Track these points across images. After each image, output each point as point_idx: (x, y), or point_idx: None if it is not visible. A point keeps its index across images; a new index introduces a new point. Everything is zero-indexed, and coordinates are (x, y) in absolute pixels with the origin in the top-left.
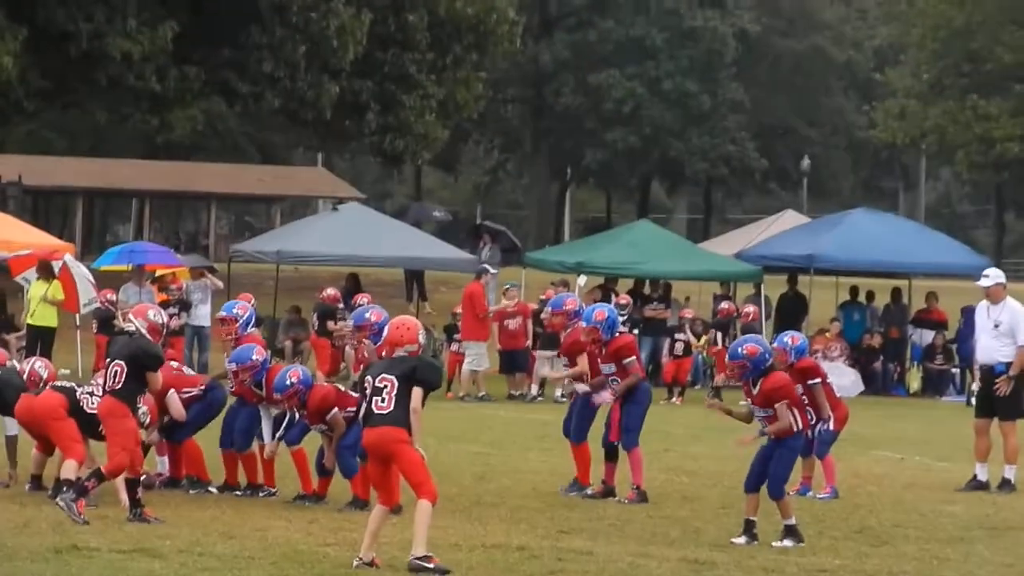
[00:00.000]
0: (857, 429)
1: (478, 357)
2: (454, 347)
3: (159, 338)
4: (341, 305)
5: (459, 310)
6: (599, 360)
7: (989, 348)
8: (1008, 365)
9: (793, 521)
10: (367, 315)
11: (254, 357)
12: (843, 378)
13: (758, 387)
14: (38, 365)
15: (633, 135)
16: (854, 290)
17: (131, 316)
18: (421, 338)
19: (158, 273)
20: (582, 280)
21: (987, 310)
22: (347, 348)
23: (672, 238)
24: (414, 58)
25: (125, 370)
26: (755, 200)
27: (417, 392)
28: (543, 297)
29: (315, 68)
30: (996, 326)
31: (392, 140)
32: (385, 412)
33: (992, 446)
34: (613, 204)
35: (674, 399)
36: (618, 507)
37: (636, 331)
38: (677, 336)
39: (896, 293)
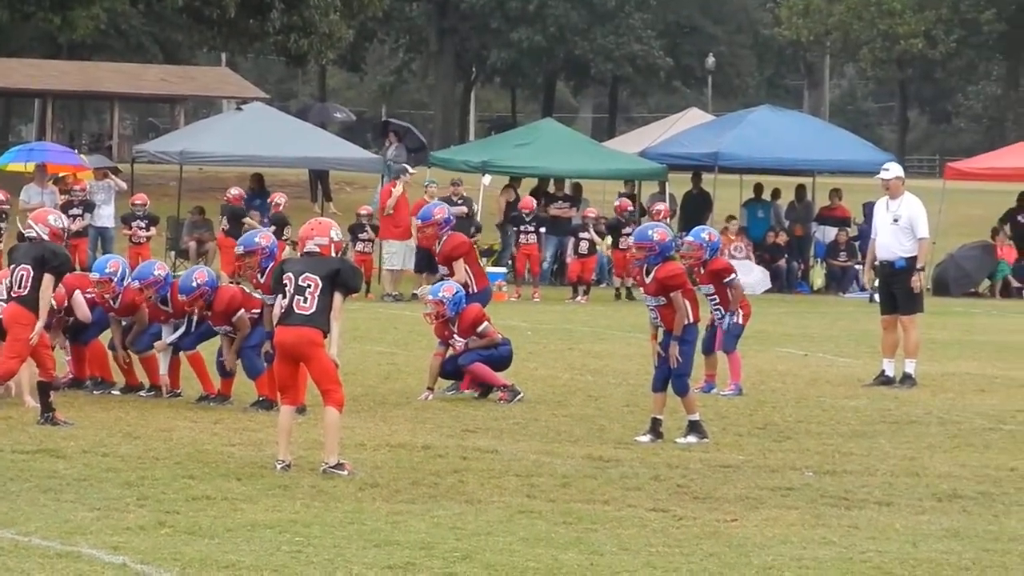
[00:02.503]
0: (761, 326)
1: (391, 256)
2: (359, 247)
3: (60, 242)
4: (245, 206)
5: (362, 211)
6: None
7: (889, 244)
8: (909, 260)
9: (697, 417)
10: (257, 239)
11: (156, 272)
12: (750, 275)
13: (652, 275)
14: None
15: (538, 34)
16: (758, 188)
17: (31, 222)
18: (334, 234)
19: (60, 174)
20: (487, 179)
21: (887, 205)
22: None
23: (577, 137)
24: None
25: (31, 275)
26: (660, 99)
27: (338, 297)
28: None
29: None
30: (895, 220)
31: (296, 39)
32: (307, 312)
33: (898, 342)
34: (518, 104)
35: (579, 298)
36: (522, 406)
37: (542, 230)
38: (581, 235)
39: (800, 190)
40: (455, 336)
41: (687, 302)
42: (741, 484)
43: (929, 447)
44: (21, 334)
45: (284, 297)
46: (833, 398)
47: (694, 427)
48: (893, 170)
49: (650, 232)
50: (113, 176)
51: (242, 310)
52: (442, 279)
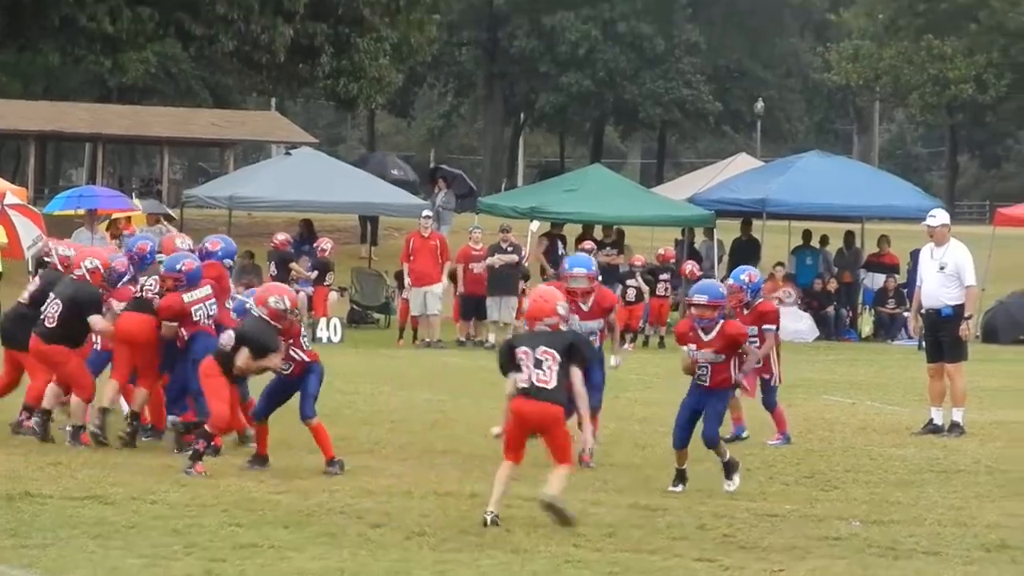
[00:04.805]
0: (809, 374)
1: (412, 302)
2: (405, 294)
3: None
4: (292, 251)
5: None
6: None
7: (935, 292)
8: (955, 308)
9: (728, 456)
10: (178, 265)
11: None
12: (799, 323)
13: (717, 331)
14: None
15: (587, 78)
16: (807, 234)
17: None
18: (560, 310)
19: (113, 216)
20: (534, 225)
21: (932, 252)
22: (300, 294)
23: (624, 183)
24: (368, 0)
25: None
26: (709, 144)
27: (578, 373)
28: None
29: (269, 10)
30: (941, 268)
31: (346, 84)
32: (548, 387)
33: (945, 390)
34: (566, 148)
35: (626, 346)
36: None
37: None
38: (628, 283)
39: (849, 237)
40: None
41: (736, 360)
42: (788, 534)
43: (977, 496)
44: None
45: (520, 372)
46: (881, 447)
47: (730, 466)
48: (940, 217)
49: (721, 289)
50: (165, 222)
51: (175, 323)
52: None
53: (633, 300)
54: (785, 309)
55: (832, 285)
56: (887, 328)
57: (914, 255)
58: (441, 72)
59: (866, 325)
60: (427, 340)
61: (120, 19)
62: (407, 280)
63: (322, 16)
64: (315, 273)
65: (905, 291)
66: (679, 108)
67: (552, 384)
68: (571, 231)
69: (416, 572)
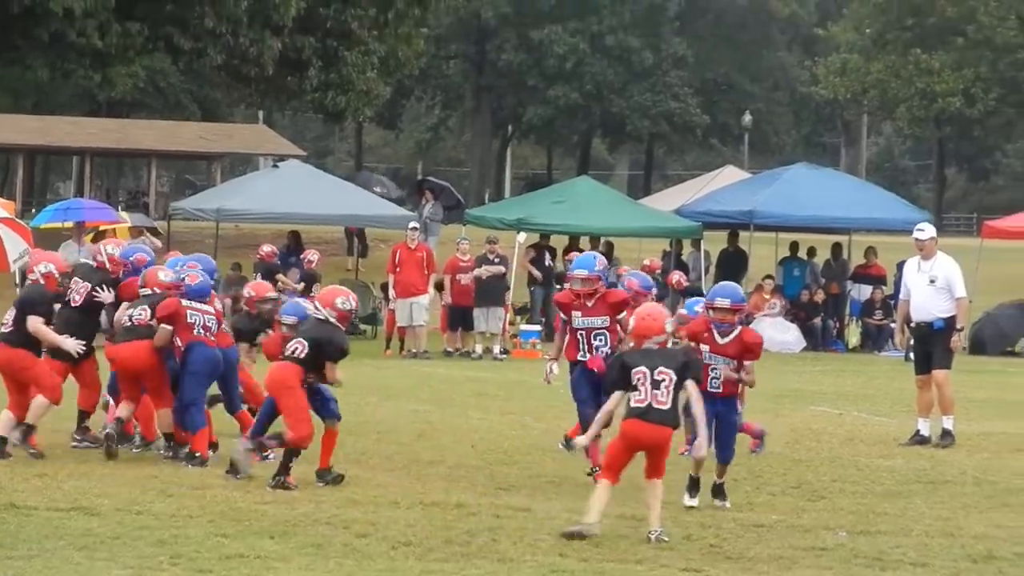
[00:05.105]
0: (796, 385)
1: (398, 313)
2: (391, 305)
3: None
4: (279, 262)
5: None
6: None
7: (925, 305)
8: (947, 320)
9: (700, 473)
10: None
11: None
12: (786, 334)
13: (733, 336)
14: None
15: (575, 91)
16: (794, 246)
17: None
18: (669, 327)
19: (101, 228)
20: (521, 237)
21: (919, 265)
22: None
23: (612, 194)
24: (356, 14)
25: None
26: (696, 156)
27: (694, 387)
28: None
29: (257, 24)
30: (932, 281)
31: (334, 97)
32: (665, 408)
33: (933, 401)
34: (554, 161)
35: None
36: (556, 464)
37: None
38: None
39: (836, 249)
40: None
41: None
42: (774, 544)
43: (965, 507)
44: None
45: (635, 391)
46: (868, 457)
47: (721, 491)
48: (928, 231)
49: (742, 294)
50: (149, 235)
51: (169, 327)
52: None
53: None
54: (772, 320)
55: (819, 296)
56: (874, 339)
57: (901, 267)
58: (429, 85)
59: (853, 336)
60: (414, 351)
61: (109, 34)
62: (392, 291)
63: (310, 29)
64: (302, 285)
65: (892, 302)
66: (667, 121)
67: (668, 405)
68: (561, 243)
69: None
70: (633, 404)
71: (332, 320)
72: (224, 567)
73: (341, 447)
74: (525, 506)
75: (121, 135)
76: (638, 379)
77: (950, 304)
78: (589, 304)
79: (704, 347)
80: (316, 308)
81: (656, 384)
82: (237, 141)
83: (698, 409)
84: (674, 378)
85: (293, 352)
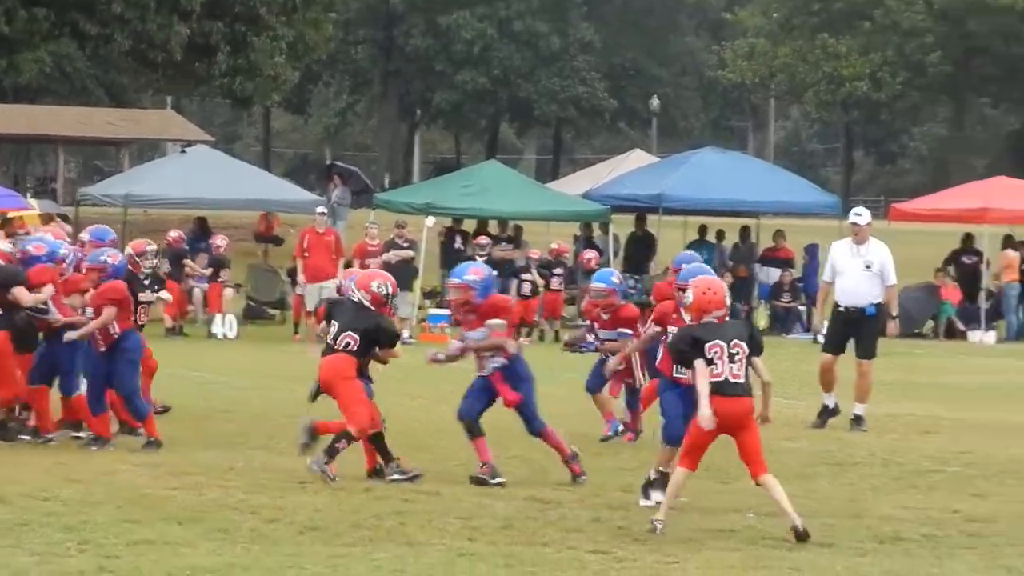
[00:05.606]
0: None
1: (307, 298)
2: (298, 290)
3: None
4: (187, 248)
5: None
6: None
7: (859, 290)
8: (878, 306)
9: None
10: (103, 257)
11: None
12: None
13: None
14: None
15: (483, 76)
16: (702, 229)
17: None
18: (727, 299)
19: (9, 215)
20: (430, 221)
21: (853, 249)
22: (195, 290)
23: (520, 178)
24: None
25: None
26: (604, 140)
27: (756, 359)
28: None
29: (165, 9)
30: (868, 267)
31: (242, 82)
32: (742, 382)
33: (836, 379)
34: (462, 145)
35: (521, 340)
36: (463, 448)
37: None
38: (524, 277)
39: (744, 232)
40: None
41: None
42: (683, 526)
43: (872, 489)
44: None
45: (711, 365)
46: (775, 439)
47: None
48: (866, 215)
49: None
50: (60, 220)
51: (113, 308)
52: None
53: (528, 294)
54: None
55: (727, 279)
56: (782, 322)
57: (809, 249)
58: (337, 70)
59: (761, 319)
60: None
61: (15, 20)
62: (300, 276)
63: (218, 15)
64: (210, 270)
65: (800, 285)
66: (574, 105)
67: (743, 378)
68: (470, 227)
69: (309, 566)
70: (710, 380)
71: (367, 303)
72: (132, 553)
73: (250, 432)
74: (433, 490)
75: (28, 121)
76: (715, 352)
77: (881, 290)
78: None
79: (672, 328)
80: (352, 290)
81: (731, 357)
82: (145, 127)
83: (768, 386)
84: (747, 351)
85: (346, 346)
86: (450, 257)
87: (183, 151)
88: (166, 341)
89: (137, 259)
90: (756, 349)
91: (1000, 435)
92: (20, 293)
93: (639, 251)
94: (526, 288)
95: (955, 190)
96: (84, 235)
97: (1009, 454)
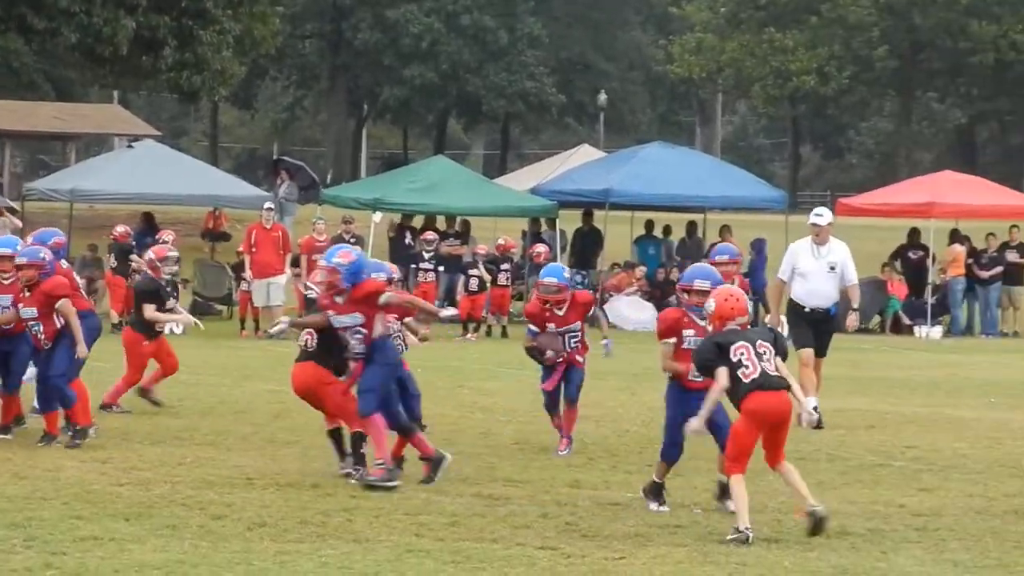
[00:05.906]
0: (651, 363)
1: (255, 294)
2: (243, 286)
3: None
4: (134, 243)
5: (241, 249)
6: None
7: (823, 291)
8: (836, 305)
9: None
10: (41, 253)
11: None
12: (642, 313)
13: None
14: None
15: (431, 71)
16: (649, 224)
17: None
18: (749, 307)
19: None
20: (377, 217)
21: (815, 250)
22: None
23: (467, 174)
24: None
25: None
26: (552, 135)
27: (779, 361)
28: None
29: (111, 3)
30: (832, 268)
31: (189, 76)
32: (778, 375)
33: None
34: (410, 140)
35: (469, 335)
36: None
37: (440, 268)
38: (471, 272)
39: (691, 227)
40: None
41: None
42: (630, 522)
43: (818, 484)
44: None
45: (742, 368)
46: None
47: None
48: (827, 216)
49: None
50: (9, 214)
51: (67, 300)
52: None
53: (476, 290)
54: (628, 299)
55: (675, 274)
56: None
57: (755, 244)
58: (284, 64)
59: None
60: (270, 331)
61: None
62: (248, 272)
63: (165, 9)
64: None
65: (747, 279)
66: (522, 100)
67: (777, 373)
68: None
69: (257, 563)
70: (746, 380)
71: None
72: (79, 549)
73: (197, 428)
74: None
75: None
76: (741, 353)
77: (839, 289)
78: (560, 312)
79: (688, 332)
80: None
81: (760, 356)
82: (92, 121)
83: (794, 384)
84: (773, 350)
85: (304, 344)
86: (400, 253)
87: (130, 146)
88: (113, 337)
89: (158, 264)
90: (781, 352)
91: (946, 430)
92: None
93: (586, 246)
94: (473, 284)
95: (902, 185)
96: (30, 238)
97: (954, 449)
